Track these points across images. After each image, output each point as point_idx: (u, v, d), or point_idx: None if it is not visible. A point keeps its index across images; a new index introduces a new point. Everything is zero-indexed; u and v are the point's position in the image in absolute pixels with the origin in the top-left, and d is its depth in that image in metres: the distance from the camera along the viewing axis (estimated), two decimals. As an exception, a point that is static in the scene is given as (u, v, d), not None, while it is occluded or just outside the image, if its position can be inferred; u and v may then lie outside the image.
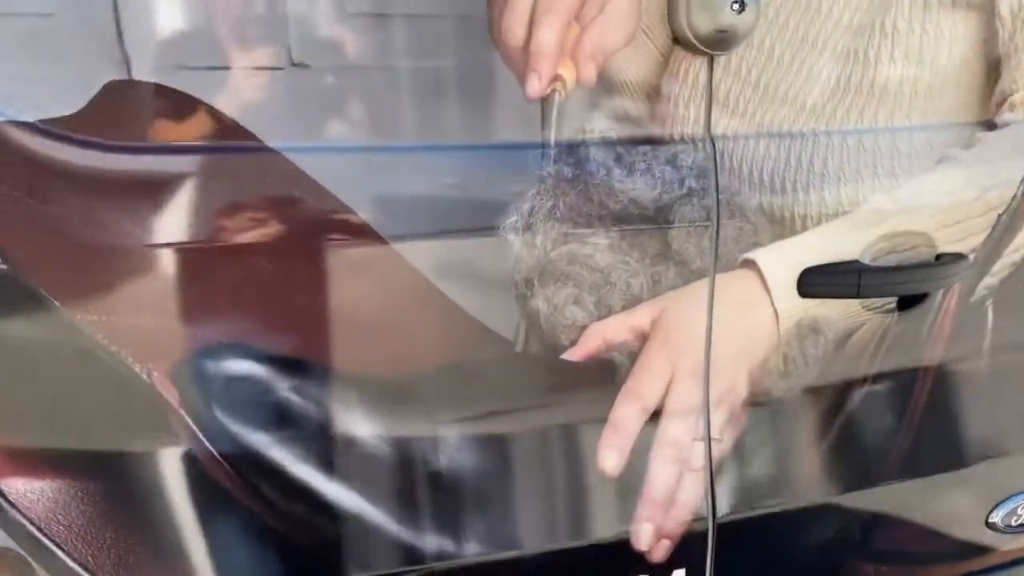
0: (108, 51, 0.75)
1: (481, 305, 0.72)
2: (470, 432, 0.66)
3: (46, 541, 0.56)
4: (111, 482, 0.59)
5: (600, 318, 0.69)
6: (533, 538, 0.68)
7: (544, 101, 0.68)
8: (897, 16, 0.74)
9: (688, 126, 0.81)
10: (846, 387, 0.74)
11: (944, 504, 0.79)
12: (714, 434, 0.67)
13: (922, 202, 0.74)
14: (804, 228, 0.76)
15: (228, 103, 0.83)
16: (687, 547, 0.67)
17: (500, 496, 0.67)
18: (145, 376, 0.59)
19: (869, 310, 0.71)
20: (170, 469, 0.60)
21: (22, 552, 0.56)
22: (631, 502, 0.66)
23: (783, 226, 0.77)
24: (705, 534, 0.68)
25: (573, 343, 0.68)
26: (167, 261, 0.61)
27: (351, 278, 0.66)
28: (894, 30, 0.74)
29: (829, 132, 0.76)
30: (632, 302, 0.69)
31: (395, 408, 0.65)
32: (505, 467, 0.67)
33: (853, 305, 0.71)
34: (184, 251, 0.60)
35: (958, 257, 0.71)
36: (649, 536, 0.66)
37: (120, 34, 0.76)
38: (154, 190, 0.61)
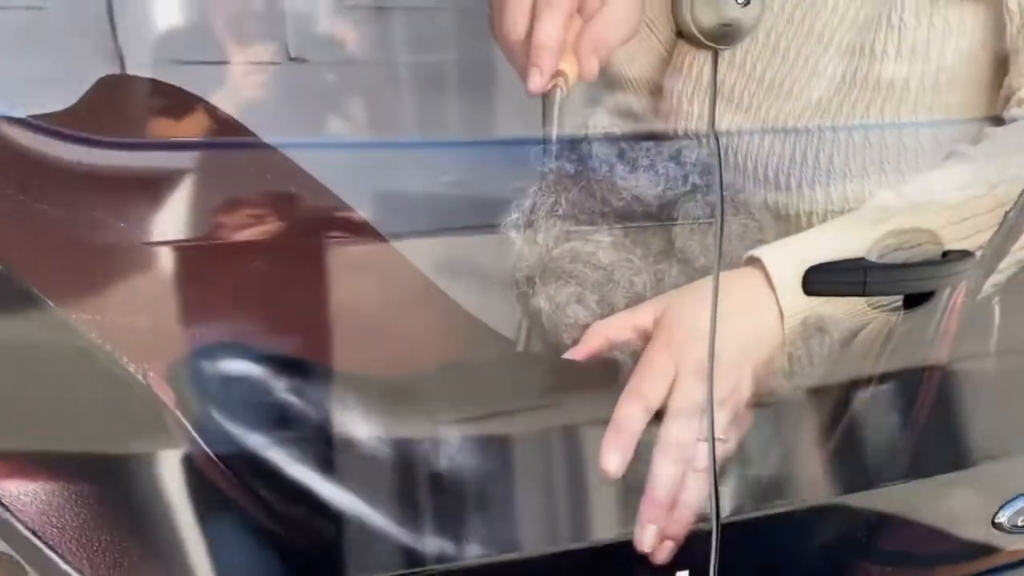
0: (101, 45, 0.74)
1: (482, 304, 0.72)
2: (471, 433, 0.65)
3: (40, 544, 0.56)
4: (106, 484, 0.59)
5: (603, 317, 0.68)
6: (535, 540, 0.67)
7: (545, 96, 0.67)
8: (904, 10, 0.73)
9: (692, 122, 0.80)
10: (852, 386, 0.74)
11: (950, 504, 0.79)
12: (718, 434, 0.67)
13: (929, 198, 0.74)
14: (809, 225, 0.76)
15: (226, 101, 0.82)
16: (691, 549, 0.67)
17: (501, 498, 0.66)
18: (140, 376, 0.58)
19: (875, 308, 0.71)
20: (166, 471, 0.60)
21: (16, 556, 0.56)
22: (634, 503, 0.65)
23: (788, 223, 0.76)
24: (709, 535, 0.68)
25: (575, 342, 0.68)
26: (162, 259, 0.61)
27: (350, 277, 0.66)
28: (901, 24, 0.74)
29: (835, 128, 0.76)
30: (635, 300, 0.69)
31: (394, 409, 0.65)
32: (506, 468, 0.66)
33: (859, 303, 0.70)
34: (180, 249, 0.60)
35: (965, 254, 0.71)
36: (652, 538, 0.66)
37: (113, 27, 0.75)
38: (149, 187, 0.60)
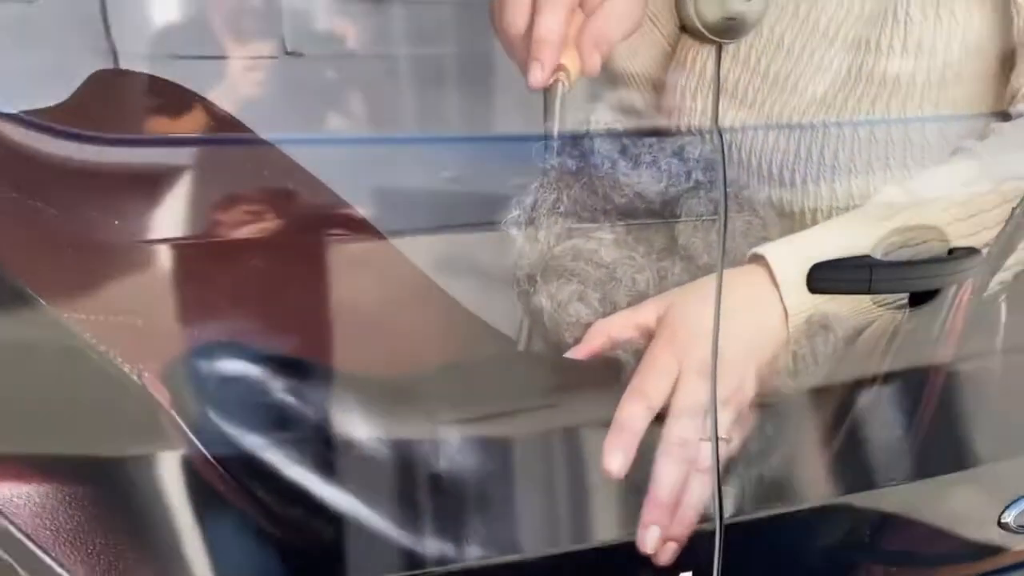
0: (93, 39, 0.73)
1: (482, 302, 0.72)
2: (471, 433, 0.65)
3: (33, 547, 0.55)
4: (101, 486, 0.58)
5: (605, 315, 0.68)
6: (536, 542, 0.67)
7: (547, 91, 0.67)
8: (910, 4, 0.73)
9: (695, 117, 0.80)
10: (856, 385, 0.73)
11: (955, 504, 0.79)
12: (722, 434, 0.66)
13: (935, 195, 0.73)
14: (814, 222, 0.76)
15: (222, 97, 0.82)
16: (694, 550, 0.66)
17: (502, 499, 0.66)
18: (135, 376, 0.58)
19: (880, 306, 0.71)
20: (161, 472, 0.59)
21: (9, 559, 0.55)
22: (637, 504, 0.65)
23: (793, 220, 0.76)
24: (712, 536, 0.67)
25: (577, 341, 0.67)
26: (157, 257, 0.60)
27: (348, 275, 0.66)
28: (907, 18, 0.73)
29: (840, 123, 0.75)
30: (638, 298, 0.68)
31: (393, 409, 0.65)
32: (507, 469, 0.66)
33: (864, 301, 0.70)
34: (175, 247, 0.60)
35: (971, 252, 0.71)
36: (655, 539, 0.65)
37: (106, 21, 0.75)
38: (143, 184, 0.60)
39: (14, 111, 0.56)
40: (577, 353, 0.67)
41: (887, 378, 0.74)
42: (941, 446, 0.77)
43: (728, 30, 0.72)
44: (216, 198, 0.61)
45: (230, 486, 0.60)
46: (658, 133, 0.79)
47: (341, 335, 0.64)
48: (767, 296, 0.66)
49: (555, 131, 0.67)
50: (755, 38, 0.77)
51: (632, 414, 0.64)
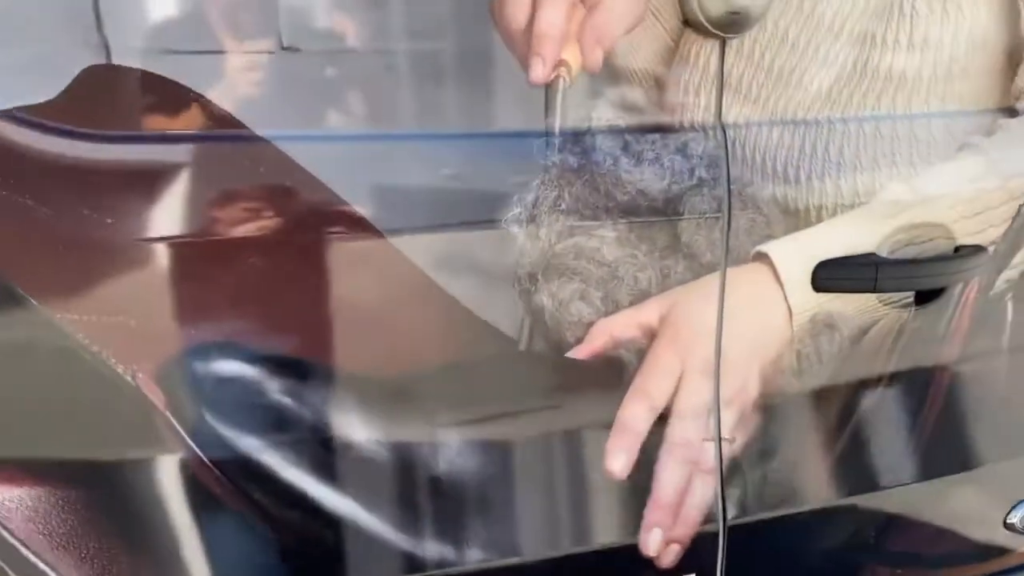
0: (85, 33, 0.73)
1: (483, 301, 0.71)
2: (471, 434, 0.65)
3: (26, 552, 0.55)
4: (94, 489, 0.58)
5: (607, 314, 0.68)
6: (537, 544, 0.66)
7: (548, 87, 0.66)
8: (916, -3, 0.72)
9: (698, 113, 0.79)
10: (861, 384, 0.73)
11: (961, 505, 0.79)
12: (725, 434, 0.66)
13: (941, 192, 0.73)
14: (819, 219, 0.75)
15: (218, 95, 0.81)
16: (697, 552, 0.66)
17: (503, 501, 0.65)
18: (129, 378, 0.57)
19: (886, 305, 0.70)
20: (156, 475, 0.59)
21: (1, 564, 0.55)
22: (639, 505, 0.64)
23: (797, 217, 0.76)
24: (716, 538, 0.67)
25: (579, 340, 0.67)
26: (151, 256, 0.60)
27: (346, 273, 0.65)
28: (912, 12, 0.73)
29: (845, 119, 0.75)
30: (640, 297, 0.68)
31: (393, 409, 0.64)
32: (508, 470, 0.66)
33: (869, 299, 0.69)
34: (169, 246, 0.59)
35: (978, 249, 0.70)
36: (658, 541, 0.65)
37: (98, 15, 0.74)
38: (137, 181, 0.60)
39: (4, 107, 0.55)
40: (579, 353, 0.67)
41: (892, 377, 0.74)
42: (947, 446, 0.77)
43: (732, 24, 0.72)
44: (212, 196, 0.60)
45: (226, 489, 0.59)
46: (661, 129, 0.78)
47: (339, 335, 0.64)
48: (771, 295, 0.66)
49: (556, 128, 0.67)
50: (759, 32, 0.76)
51: (634, 414, 0.63)
